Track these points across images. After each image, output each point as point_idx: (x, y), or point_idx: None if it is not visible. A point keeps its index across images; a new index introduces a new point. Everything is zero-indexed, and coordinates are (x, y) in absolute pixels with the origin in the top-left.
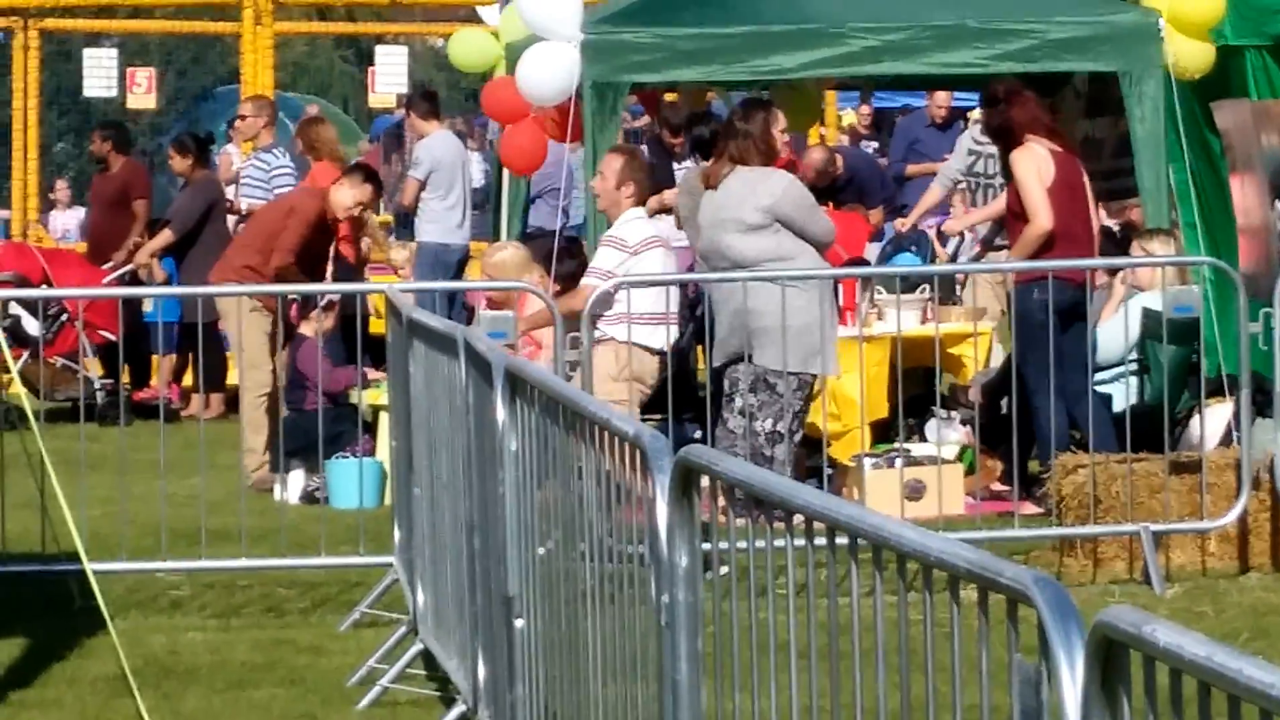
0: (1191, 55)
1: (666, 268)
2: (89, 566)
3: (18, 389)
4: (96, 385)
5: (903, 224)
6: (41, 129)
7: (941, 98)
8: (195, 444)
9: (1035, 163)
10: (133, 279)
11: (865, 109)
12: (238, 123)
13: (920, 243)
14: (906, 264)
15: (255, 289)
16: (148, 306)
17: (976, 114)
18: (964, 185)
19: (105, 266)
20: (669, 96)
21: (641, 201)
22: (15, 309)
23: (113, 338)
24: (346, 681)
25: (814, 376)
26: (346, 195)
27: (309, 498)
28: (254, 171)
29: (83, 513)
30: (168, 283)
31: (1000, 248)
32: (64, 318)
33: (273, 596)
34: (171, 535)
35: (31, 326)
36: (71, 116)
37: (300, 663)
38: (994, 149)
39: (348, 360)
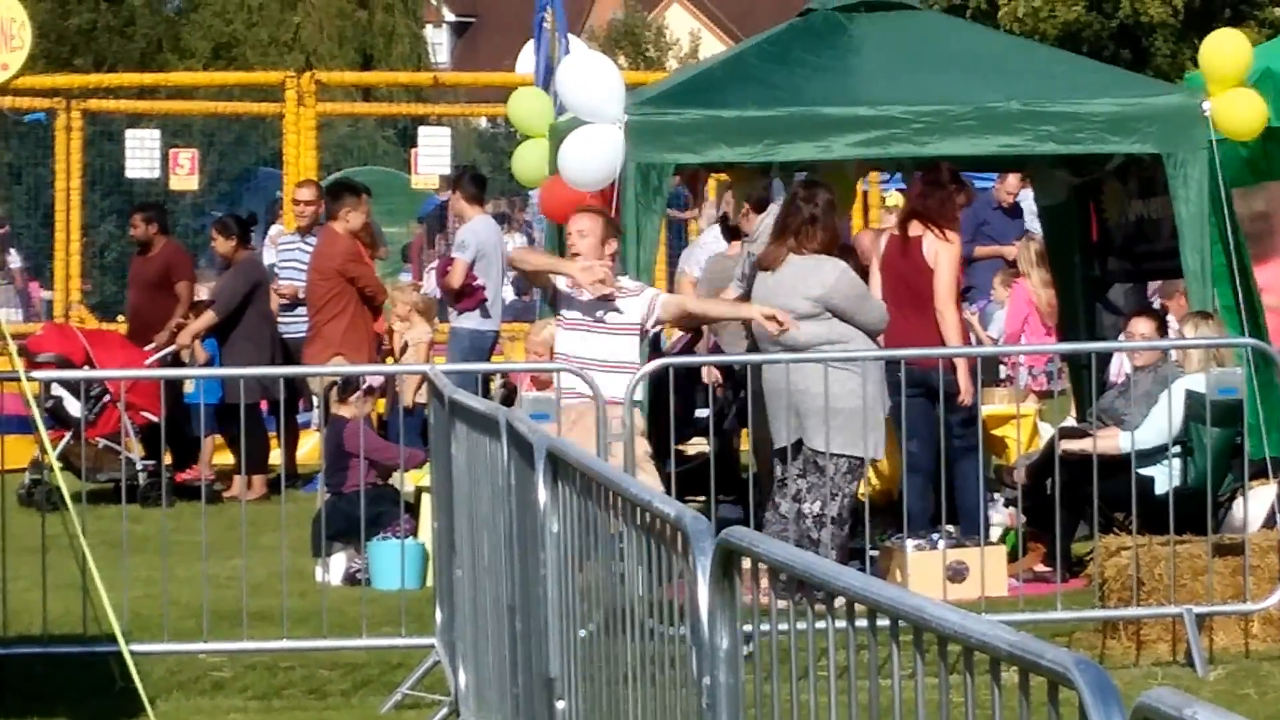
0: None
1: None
2: (127, 648)
3: (58, 471)
4: (139, 466)
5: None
6: (84, 210)
7: (1012, 182)
8: (237, 525)
9: (876, 253)
10: (174, 360)
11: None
12: (301, 208)
13: None
14: None
15: (297, 371)
16: (189, 388)
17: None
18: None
19: (148, 348)
20: (718, 177)
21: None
22: (57, 390)
23: (154, 419)
24: None
25: (862, 460)
26: (355, 218)
27: (351, 579)
28: (300, 255)
29: (124, 594)
30: (210, 364)
31: None
32: (106, 399)
33: (315, 678)
34: (213, 617)
35: (73, 407)
36: (114, 198)
37: None
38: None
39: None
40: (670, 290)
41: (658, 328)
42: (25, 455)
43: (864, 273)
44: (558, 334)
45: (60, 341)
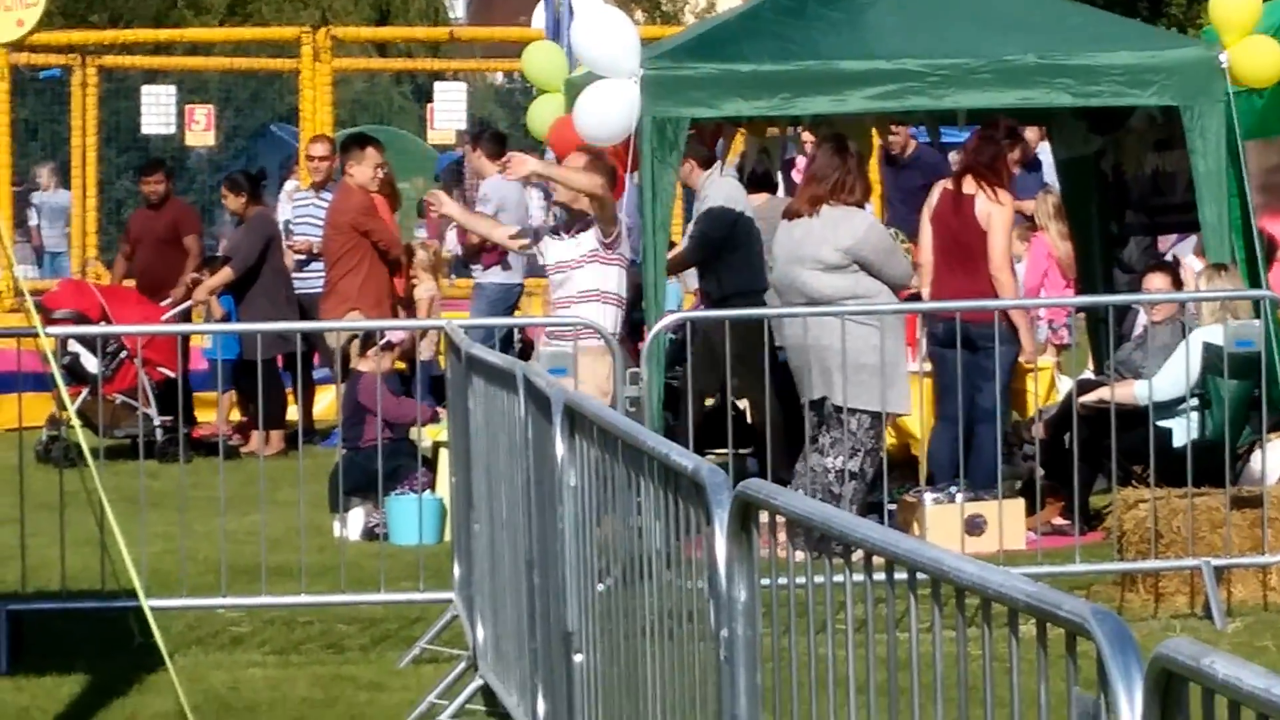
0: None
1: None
2: (146, 603)
3: (76, 427)
4: (155, 422)
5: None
6: (100, 166)
7: (1030, 136)
8: (254, 481)
9: (929, 205)
10: (184, 316)
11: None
12: (315, 163)
13: None
14: None
15: (313, 326)
16: (206, 343)
17: None
18: None
19: (163, 304)
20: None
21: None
22: (74, 346)
23: (171, 374)
24: (407, 718)
25: (885, 414)
26: (363, 172)
27: (369, 534)
28: (315, 210)
29: (142, 550)
30: (226, 319)
31: None
32: (122, 355)
33: (333, 633)
34: (232, 572)
35: (90, 364)
36: (130, 154)
37: (360, 699)
38: None
39: (405, 395)
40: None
41: (611, 235)
42: (42, 413)
43: None
44: (550, 280)
45: (76, 298)
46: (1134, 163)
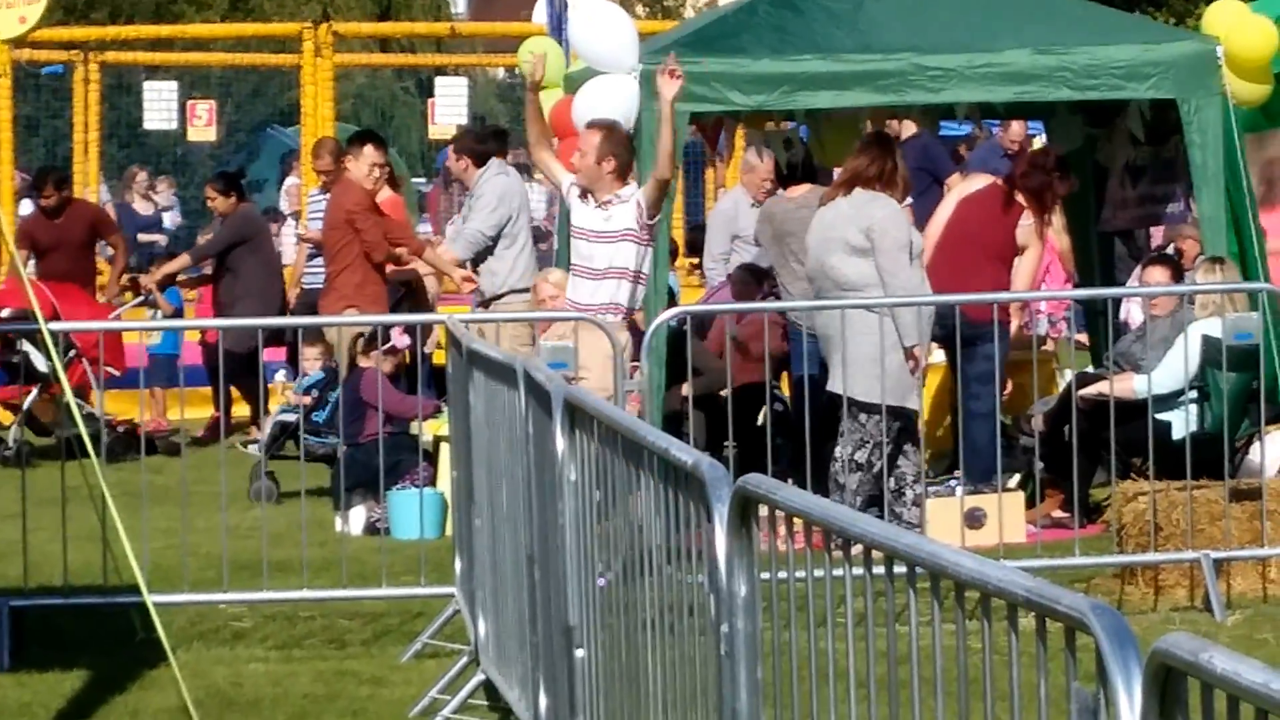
0: (1249, 88)
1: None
2: (149, 599)
3: (78, 417)
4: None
5: None
6: (101, 162)
7: (1016, 130)
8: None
9: (941, 209)
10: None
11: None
12: (322, 177)
13: None
14: None
15: (314, 321)
16: (156, 339)
17: None
18: None
19: (113, 301)
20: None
21: (623, 177)
22: (24, 345)
23: (117, 373)
24: (409, 712)
25: (896, 408)
26: (360, 169)
27: (371, 529)
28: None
29: (144, 545)
30: (177, 315)
31: None
32: (72, 353)
33: (334, 628)
34: (233, 567)
35: (40, 363)
36: (132, 149)
37: (362, 694)
38: None
39: (407, 391)
40: (687, 242)
41: (655, 218)
42: None
43: None
44: (572, 243)
45: (24, 296)
46: (1109, 158)
